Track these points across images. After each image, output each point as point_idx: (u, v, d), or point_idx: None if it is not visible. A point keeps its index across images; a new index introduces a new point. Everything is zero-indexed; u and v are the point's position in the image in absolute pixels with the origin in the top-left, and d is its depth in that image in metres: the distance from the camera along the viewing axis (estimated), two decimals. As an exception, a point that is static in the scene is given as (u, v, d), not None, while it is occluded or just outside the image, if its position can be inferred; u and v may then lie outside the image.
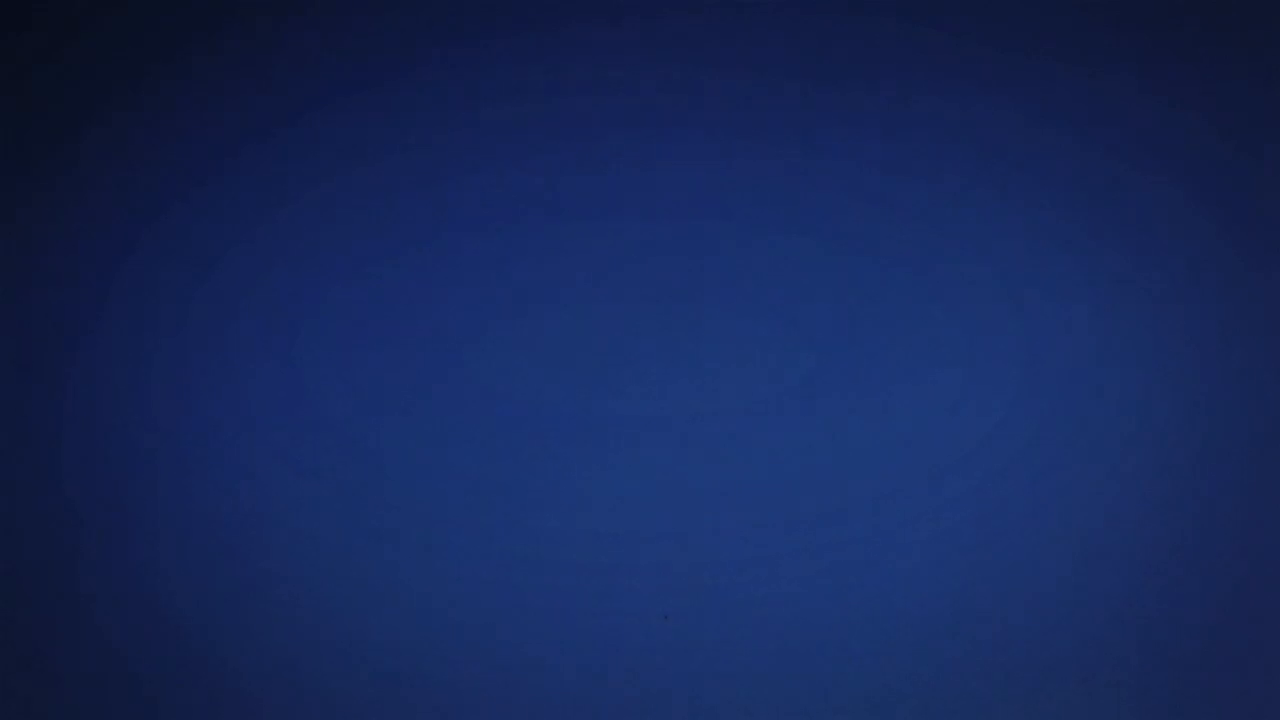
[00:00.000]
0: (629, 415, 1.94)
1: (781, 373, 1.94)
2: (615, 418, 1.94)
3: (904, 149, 1.93)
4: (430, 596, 1.95)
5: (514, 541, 1.94)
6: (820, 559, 1.94)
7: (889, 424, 1.93)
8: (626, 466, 1.94)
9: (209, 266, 1.96)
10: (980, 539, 1.92)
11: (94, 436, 1.94)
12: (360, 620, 1.94)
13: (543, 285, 1.96)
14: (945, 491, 1.92)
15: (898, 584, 1.92)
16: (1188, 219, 1.93)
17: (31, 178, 1.97)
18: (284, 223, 1.95)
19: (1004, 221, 1.93)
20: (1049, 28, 1.93)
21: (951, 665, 1.91)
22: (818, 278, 1.94)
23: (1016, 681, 1.91)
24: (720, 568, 1.95)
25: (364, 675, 1.93)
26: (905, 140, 1.93)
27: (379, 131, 1.97)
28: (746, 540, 1.94)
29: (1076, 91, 1.93)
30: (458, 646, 1.95)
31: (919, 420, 1.93)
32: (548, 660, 1.94)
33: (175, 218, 1.96)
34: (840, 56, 1.94)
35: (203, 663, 1.93)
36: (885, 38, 1.94)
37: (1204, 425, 1.91)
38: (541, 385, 1.95)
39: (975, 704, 1.91)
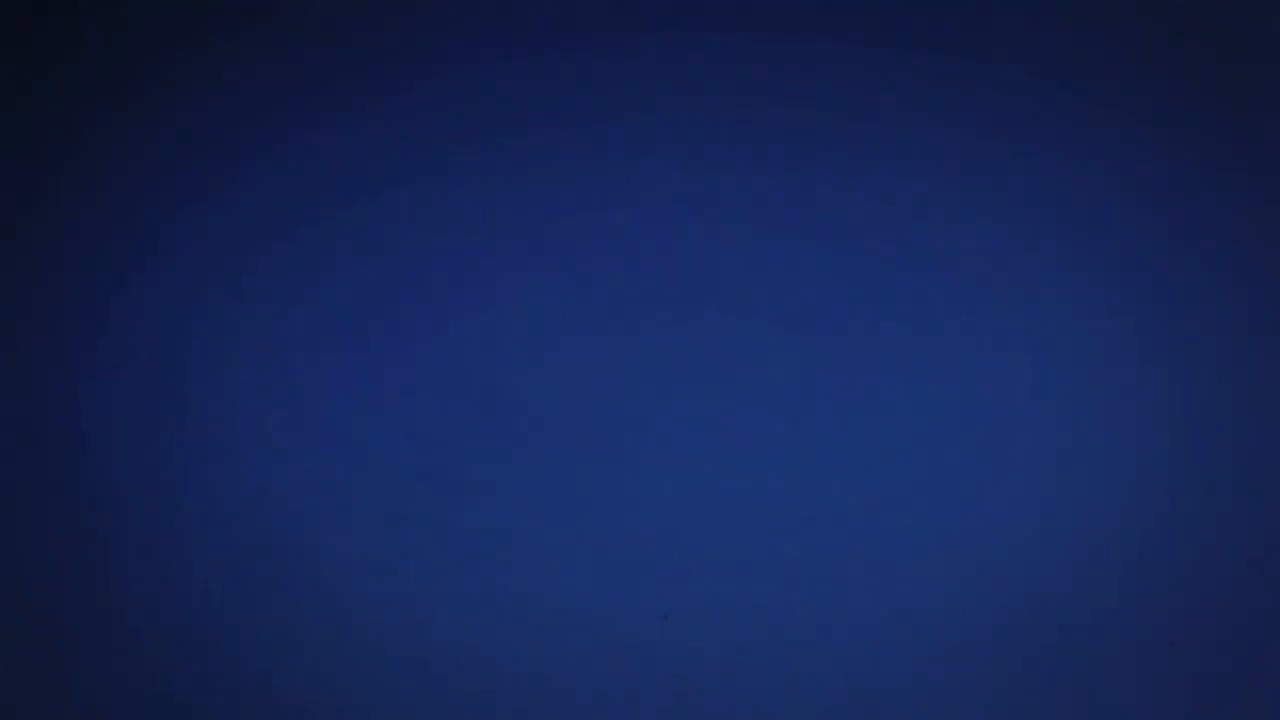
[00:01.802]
0: (632, 417, 1.95)
1: (785, 376, 1.94)
2: (616, 419, 1.95)
3: (910, 154, 1.94)
4: (434, 596, 1.96)
5: (521, 542, 1.95)
6: (824, 560, 1.94)
7: (893, 426, 1.93)
8: (628, 467, 1.94)
9: (227, 270, 1.97)
10: (984, 542, 1.92)
11: (112, 441, 1.94)
12: (364, 620, 1.95)
13: (547, 290, 1.96)
14: (949, 494, 1.92)
15: (901, 586, 1.93)
16: (1190, 225, 1.93)
17: (31, 181, 1.97)
18: (302, 228, 1.96)
19: (1008, 224, 1.93)
20: (1053, 42, 1.93)
21: (954, 667, 1.92)
22: (822, 283, 1.94)
23: (1019, 684, 1.91)
24: (724, 569, 1.95)
25: (371, 672, 1.93)
26: (911, 146, 1.94)
27: (384, 135, 1.97)
28: (750, 541, 1.95)
29: (1084, 94, 1.93)
30: (461, 646, 1.95)
31: (923, 423, 1.93)
32: (551, 659, 1.94)
33: (198, 218, 1.97)
34: (846, 69, 1.94)
35: (228, 666, 1.93)
36: (892, 46, 1.94)
37: (1204, 428, 1.91)
38: (543, 387, 1.95)
39: (978, 705, 1.92)
